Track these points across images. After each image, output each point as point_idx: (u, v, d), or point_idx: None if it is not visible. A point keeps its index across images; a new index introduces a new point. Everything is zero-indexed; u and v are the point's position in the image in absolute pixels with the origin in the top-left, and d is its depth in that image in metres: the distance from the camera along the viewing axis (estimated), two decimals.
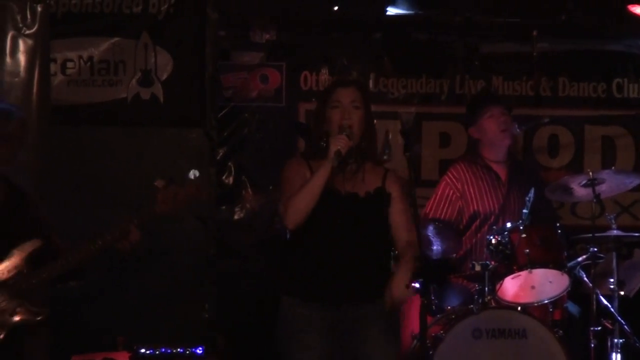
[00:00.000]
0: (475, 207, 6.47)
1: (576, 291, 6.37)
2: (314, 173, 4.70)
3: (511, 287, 5.97)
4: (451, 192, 6.47)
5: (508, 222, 6.25)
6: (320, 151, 4.78)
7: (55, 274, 4.89)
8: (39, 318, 4.88)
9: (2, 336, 4.80)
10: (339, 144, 4.67)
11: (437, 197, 6.51)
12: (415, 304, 5.61)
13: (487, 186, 6.51)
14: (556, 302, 5.99)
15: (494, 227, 6.24)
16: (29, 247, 4.89)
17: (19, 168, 5.86)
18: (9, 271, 4.84)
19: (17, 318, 4.83)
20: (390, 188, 4.85)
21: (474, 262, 6.02)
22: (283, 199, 4.78)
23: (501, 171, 6.56)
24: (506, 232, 5.98)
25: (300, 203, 4.66)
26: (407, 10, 7.14)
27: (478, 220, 6.48)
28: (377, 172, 4.86)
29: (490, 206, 6.47)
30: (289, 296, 4.79)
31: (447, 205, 6.46)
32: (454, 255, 6.38)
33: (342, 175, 4.77)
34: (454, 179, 6.52)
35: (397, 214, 4.84)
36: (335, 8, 7.06)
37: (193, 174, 4.87)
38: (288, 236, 4.85)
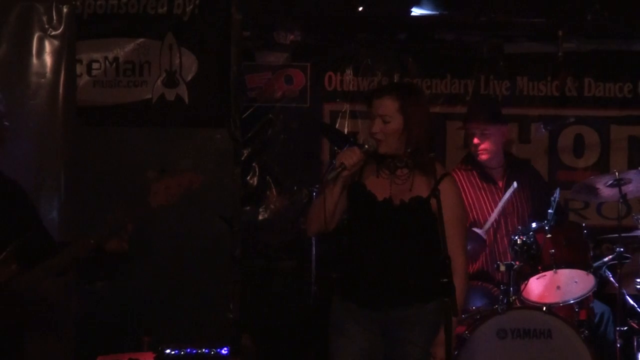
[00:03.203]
0: (475, 216, 6.45)
1: (602, 291, 6.36)
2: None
3: (536, 287, 5.96)
4: None
5: (511, 225, 6.31)
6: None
7: (50, 272, 4.81)
8: (34, 318, 4.83)
9: None
10: (346, 157, 4.69)
11: None
12: None
13: (485, 194, 6.49)
14: (582, 302, 5.97)
15: (498, 232, 6.28)
16: (19, 244, 4.79)
17: (45, 167, 5.97)
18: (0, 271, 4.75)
19: (12, 320, 4.77)
20: (443, 195, 4.55)
21: (498, 262, 6.01)
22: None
23: (498, 176, 6.55)
24: (531, 232, 5.97)
25: (313, 215, 4.83)
26: (432, 10, 7.12)
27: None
28: (428, 180, 4.75)
29: (490, 213, 6.44)
30: (338, 296, 4.90)
31: None
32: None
33: (390, 180, 4.80)
34: None
35: (447, 224, 4.53)
36: (360, 9, 7.04)
37: (185, 163, 4.87)
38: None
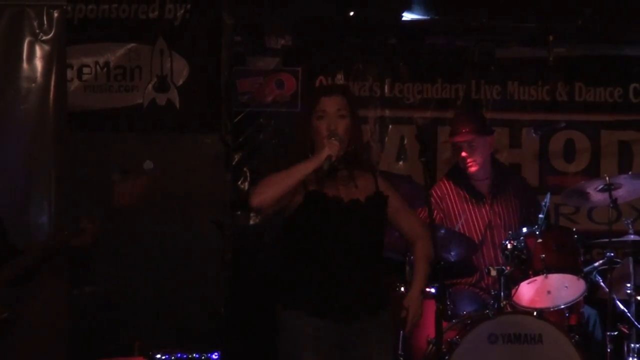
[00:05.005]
0: (461, 228, 6.44)
1: (593, 296, 6.36)
2: (297, 164, 4.59)
3: (527, 292, 5.96)
4: (435, 212, 6.33)
5: (497, 238, 6.33)
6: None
7: (5, 278, 4.84)
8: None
9: None
10: (332, 149, 4.57)
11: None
12: (431, 309, 5.61)
13: (471, 207, 6.49)
14: (572, 307, 5.97)
15: (484, 245, 6.33)
16: None
17: (35, 172, 5.96)
18: None
19: None
20: (385, 190, 4.76)
21: (489, 267, 6.01)
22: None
23: (484, 188, 6.55)
24: (522, 237, 5.96)
25: (272, 185, 4.55)
26: (423, 15, 7.14)
27: None
28: (368, 177, 4.76)
29: (476, 226, 6.46)
30: (292, 309, 4.63)
31: None
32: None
33: (335, 183, 4.66)
34: (437, 199, 6.48)
35: (403, 211, 4.79)
36: (351, 13, 7.05)
37: (147, 165, 4.83)
38: (287, 249, 4.72)
